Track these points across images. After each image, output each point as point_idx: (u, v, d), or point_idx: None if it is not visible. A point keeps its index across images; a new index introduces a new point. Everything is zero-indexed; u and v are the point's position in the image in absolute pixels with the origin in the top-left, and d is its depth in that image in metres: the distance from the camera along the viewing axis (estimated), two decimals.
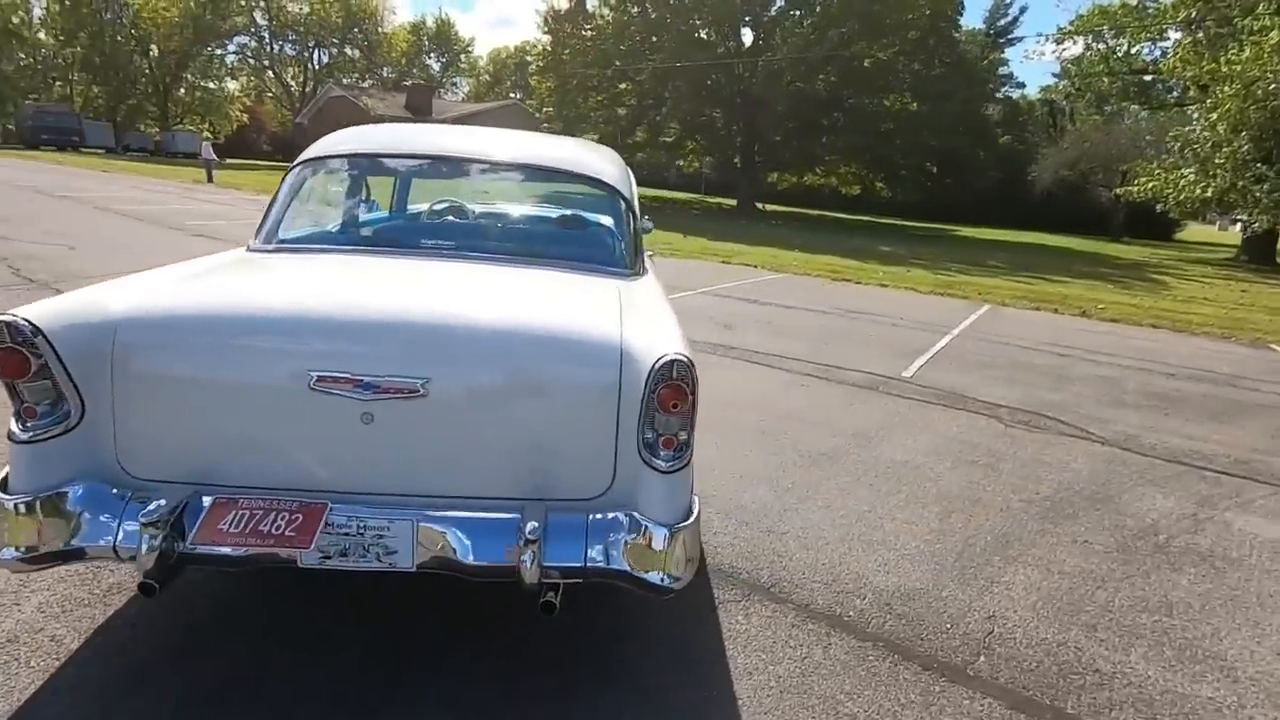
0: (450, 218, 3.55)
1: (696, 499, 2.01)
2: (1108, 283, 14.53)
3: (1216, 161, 17.74)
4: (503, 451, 1.93)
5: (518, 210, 3.75)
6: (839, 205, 38.60)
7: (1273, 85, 15.43)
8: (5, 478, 1.79)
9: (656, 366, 1.83)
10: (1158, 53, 25.72)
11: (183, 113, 51.14)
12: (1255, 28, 16.35)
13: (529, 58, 43.89)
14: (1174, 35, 22.97)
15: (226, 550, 1.75)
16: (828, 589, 2.59)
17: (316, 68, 54.94)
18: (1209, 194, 18.35)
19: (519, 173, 3.16)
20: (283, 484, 1.87)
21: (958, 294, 10.79)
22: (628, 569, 1.86)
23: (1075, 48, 28.86)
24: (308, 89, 52.80)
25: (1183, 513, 3.51)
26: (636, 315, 2.13)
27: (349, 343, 1.84)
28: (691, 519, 1.93)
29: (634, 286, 2.56)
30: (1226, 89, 16.66)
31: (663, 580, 1.88)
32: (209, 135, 41.46)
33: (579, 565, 1.85)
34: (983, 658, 2.28)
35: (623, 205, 3.00)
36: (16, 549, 1.74)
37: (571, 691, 1.99)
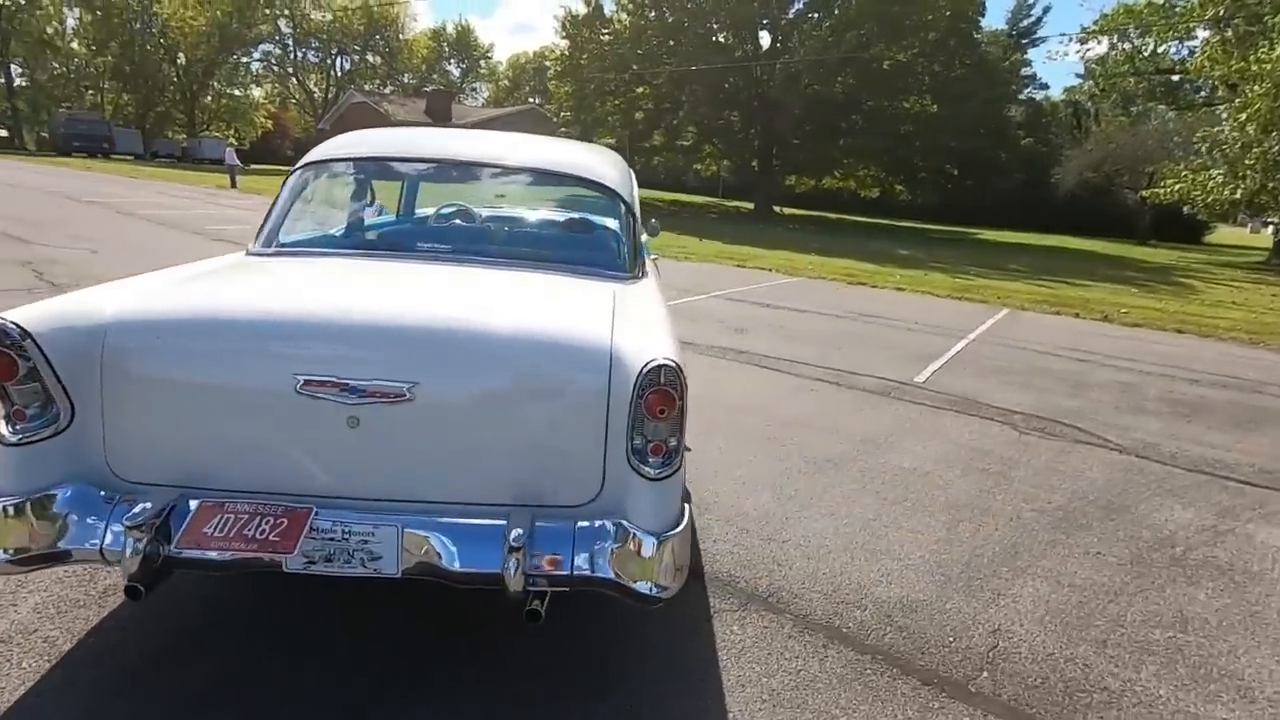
0: (454, 221, 3.55)
1: (688, 507, 1.97)
2: (1132, 286, 14.23)
3: (1246, 162, 17.33)
4: (491, 457, 1.90)
5: (518, 214, 3.74)
6: (858, 208, 38.28)
7: None
8: None
9: (644, 371, 1.80)
10: (1185, 52, 25.23)
11: (209, 120, 52.09)
12: None
13: (547, 63, 44.07)
14: (1202, 34, 22.50)
15: (211, 554, 1.74)
16: (827, 599, 2.53)
17: (339, 74, 55.74)
18: (1238, 195, 17.93)
19: (519, 176, 3.14)
20: (271, 488, 1.86)
21: (976, 298, 10.62)
22: (614, 577, 1.82)
23: (1100, 47, 28.41)
24: (330, 95, 53.56)
25: (1202, 524, 3.40)
26: (629, 319, 2.10)
27: (336, 346, 1.83)
28: (680, 527, 1.89)
29: (631, 290, 2.53)
30: (1256, 88, 16.27)
31: (651, 590, 1.85)
32: (233, 142, 42.20)
33: (565, 573, 1.82)
34: (985, 673, 2.21)
35: (623, 208, 2.97)
36: (5, 550, 1.75)
37: (558, 700, 1.96)
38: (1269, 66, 15.67)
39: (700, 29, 28.79)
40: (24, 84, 50.15)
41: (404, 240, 3.19)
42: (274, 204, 2.82)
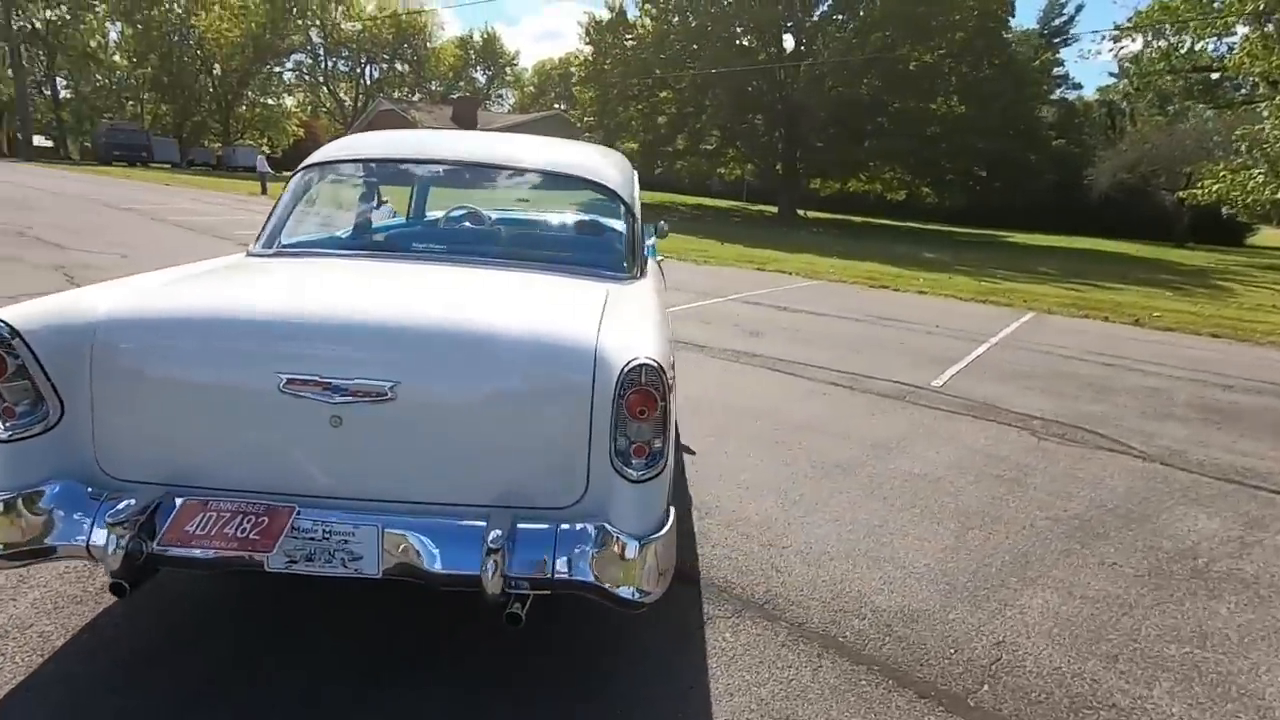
0: (462, 224, 3.57)
1: (672, 510, 1.93)
2: (1166, 289, 13.81)
3: None
4: (474, 457, 1.89)
5: (523, 215, 3.74)
6: (885, 211, 37.82)
7: None
8: None
9: (625, 371, 1.77)
10: (1224, 48, 24.46)
11: (243, 128, 53.42)
12: None
13: (572, 69, 44.36)
14: (1241, 29, 21.80)
15: (193, 552, 1.75)
16: (825, 607, 2.47)
17: (368, 82, 56.82)
18: None
19: (520, 177, 3.13)
20: (255, 487, 1.87)
21: (1001, 301, 10.39)
22: (594, 581, 1.79)
23: (1134, 45, 27.68)
24: (360, 103, 54.58)
25: (1228, 535, 3.25)
26: (619, 319, 2.07)
27: (318, 345, 1.83)
28: (664, 531, 1.85)
29: (627, 290, 2.50)
30: None
31: (633, 594, 1.81)
32: (265, 150, 43.17)
33: (545, 576, 1.80)
34: (986, 686, 2.13)
35: (622, 208, 2.94)
36: None
37: (544, 702, 1.93)
38: None
39: (724, 33, 28.71)
40: (68, 96, 51.96)
41: (404, 241, 3.20)
42: (275, 205, 2.85)
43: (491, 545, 1.72)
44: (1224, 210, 20.82)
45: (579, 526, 1.84)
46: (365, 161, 3.09)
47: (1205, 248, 30.91)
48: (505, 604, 1.79)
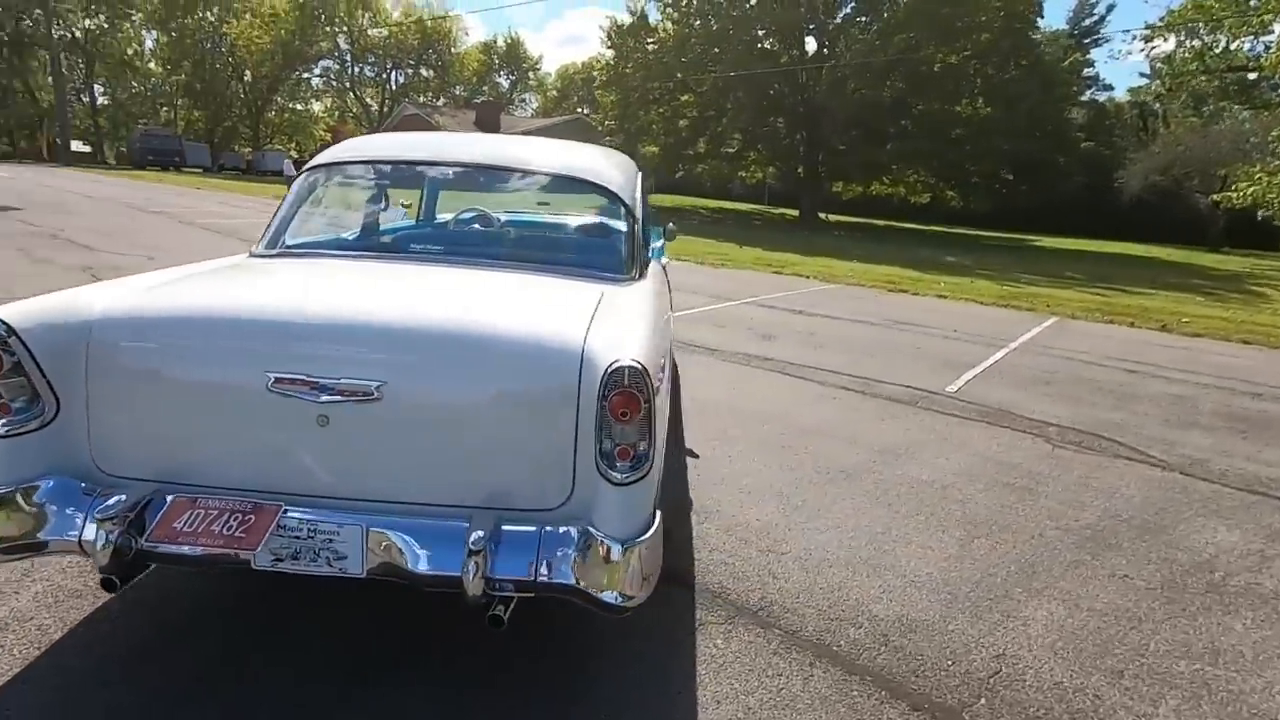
0: (465, 225, 3.59)
1: (659, 514, 1.91)
2: (1197, 295, 13.45)
3: None
4: (460, 458, 1.89)
5: (526, 216, 3.75)
6: (908, 215, 37.36)
7: None
8: None
9: (608, 372, 1.75)
10: (1260, 47, 23.77)
11: (272, 133, 54.59)
12: None
13: (594, 73, 44.57)
14: (1279, 28, 21.20)
15: (181, 549, 1.77)
16: (821, 615, 2.43)
17: (393, 88, 57.60)
18: None
19: (522, 179, 3.14)
20: (246, 485, 1.88)
21: (1023, 306, 10.20)
22: (575, 584, 1.78)
23: (1166, 45, 27.00)
24: (385, 108, 55.38)
25: (1248, 548, 3.14)
26: (610, 320, 2.06)
27: (307, 345, 1.84)
28: (649, 534, 1.83)
29: (623, 291, 2.49)
30: None
31: (616, 599, 1.80)
32: (292, 154, 43.98)
33: (528, 579, 1.79)
34: (983, 700, 2.07)
35: (623, 210, 2.93)
36: None
37: (529, 705, 1.92)
38: None
39: (745, 36, 28.61)
40: (105, 102, 53.49)
41: (407, 242, 3.22)
42: (280, 206, 2.88)
43: (473, 547, 1.72)
44: (1260, 213, 20.19)
45: (562, 529, 1.83)
46: (366, 163, 3.12)
47: (1240, 252, 30.07)
48: (488, 606, 1.78)
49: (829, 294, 10.34)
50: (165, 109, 55.75)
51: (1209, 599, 2.70)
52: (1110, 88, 47.09)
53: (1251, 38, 22.89)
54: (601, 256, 2.91)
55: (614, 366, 1.75)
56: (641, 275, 2.82)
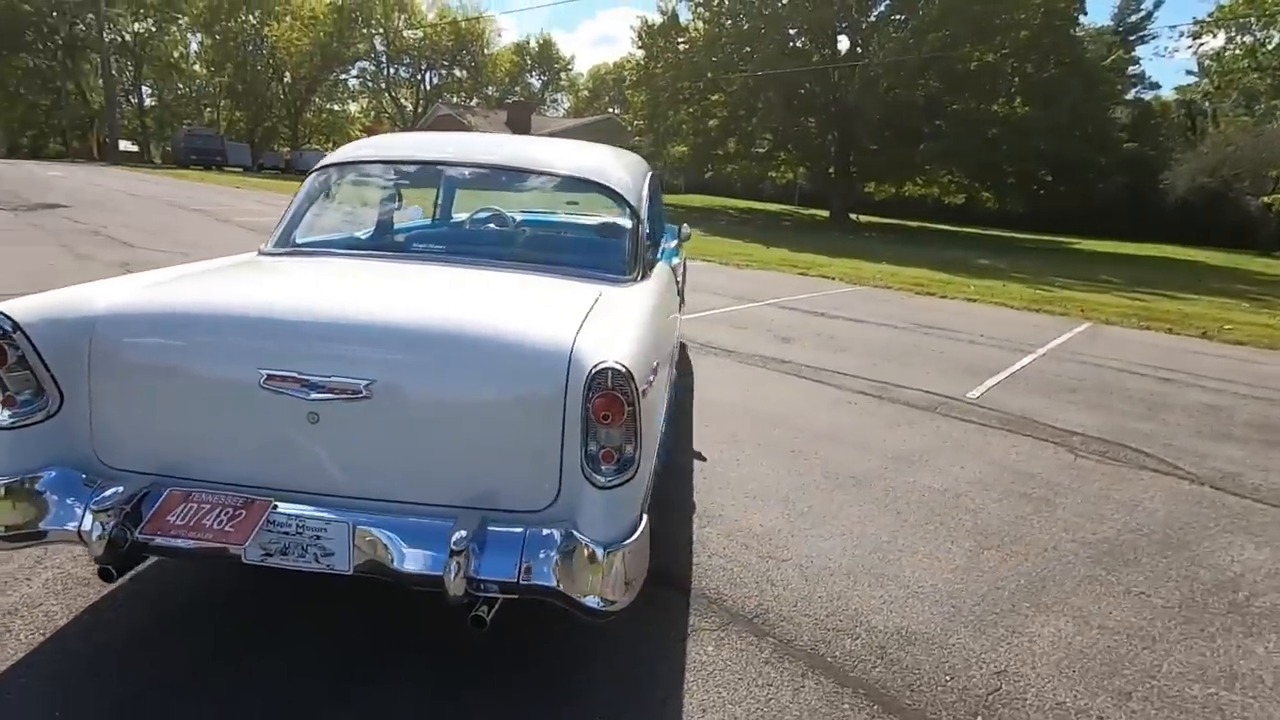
0: (476, 225, 3.61)
1: (646, 518, 1.89)
2: (1243, 300, 12.94)
3: None
4: (449, 458, 1.89)
5: (539, 216, 3.77)
6: (943, 216, 36.62)
7: None
8: None
9: (591, 373, 1.74)
10: None
11: (310, 133, 55.82)
12: None
13: (625, 73, 44.64)
14: None
15: (174, 541, 1.80)
16: (818, 625, 2.38)
17: (427, 88, 58.43)
18: None
19: (527, 179, 3.15)
20: (240, 480, 1.92)
21: (1055, 310, 9.92)
22: (556, 587, 1.77)
23: (1215, 41, 26.07)
24: (420, 109, 56.21)
25: (1276, 567, 3.00)
26: (604, 322, 2.05)
27: (298, 343, 1.87)
28: (633, 539, 1.82)
29: (622, 292, 2.48)
30: None
31: (598, 603, 1.78)
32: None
33: (511, 580, 1.78)
34: (979, 718, 2.01)
35: (627, 210, 2.92)
36: None
37: (513, 706, 1.92)
38: None
39: (776, 35, 28.34)
40: (152, 103, 55.28)
41: (413, 242, 3.26)
42: (290, 205, 2.93)
43: (455, 547, 1.72)
44: None
45: (545, 531, 1.82)
46: (373, 163, 3.16)
47: None
48: (471, 606, 1.79)
49: (854, 296, 10.19)
50: (209, 109, 57.41)
51: (1230, 620, 2.59)
52: (1156, 86, 45.53)
53: None
54: (603, 256, 2.90)
55: (597, 368, 1.73)
56: (644, 276, 2.80)
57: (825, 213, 32.37)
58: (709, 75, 29.17)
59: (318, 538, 1.82)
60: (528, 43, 66.23)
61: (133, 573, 2.21)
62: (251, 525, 1.79)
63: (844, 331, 7.50)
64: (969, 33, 24.74)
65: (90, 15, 45.80)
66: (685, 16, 31.02)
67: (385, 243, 3.21)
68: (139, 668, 1.99)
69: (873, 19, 28.42)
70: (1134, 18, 42.17)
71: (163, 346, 1.94)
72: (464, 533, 1.74)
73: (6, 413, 1.87)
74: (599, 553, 1.77)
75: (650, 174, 3.55)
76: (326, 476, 1.90)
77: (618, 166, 3.16)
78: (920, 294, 10.88)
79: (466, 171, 3.15)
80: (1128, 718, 2.05)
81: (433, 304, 2.11)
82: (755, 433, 4.18)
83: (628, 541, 1.80)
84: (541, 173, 3.05)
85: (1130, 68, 38.79)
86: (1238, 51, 24.77)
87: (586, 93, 69.02)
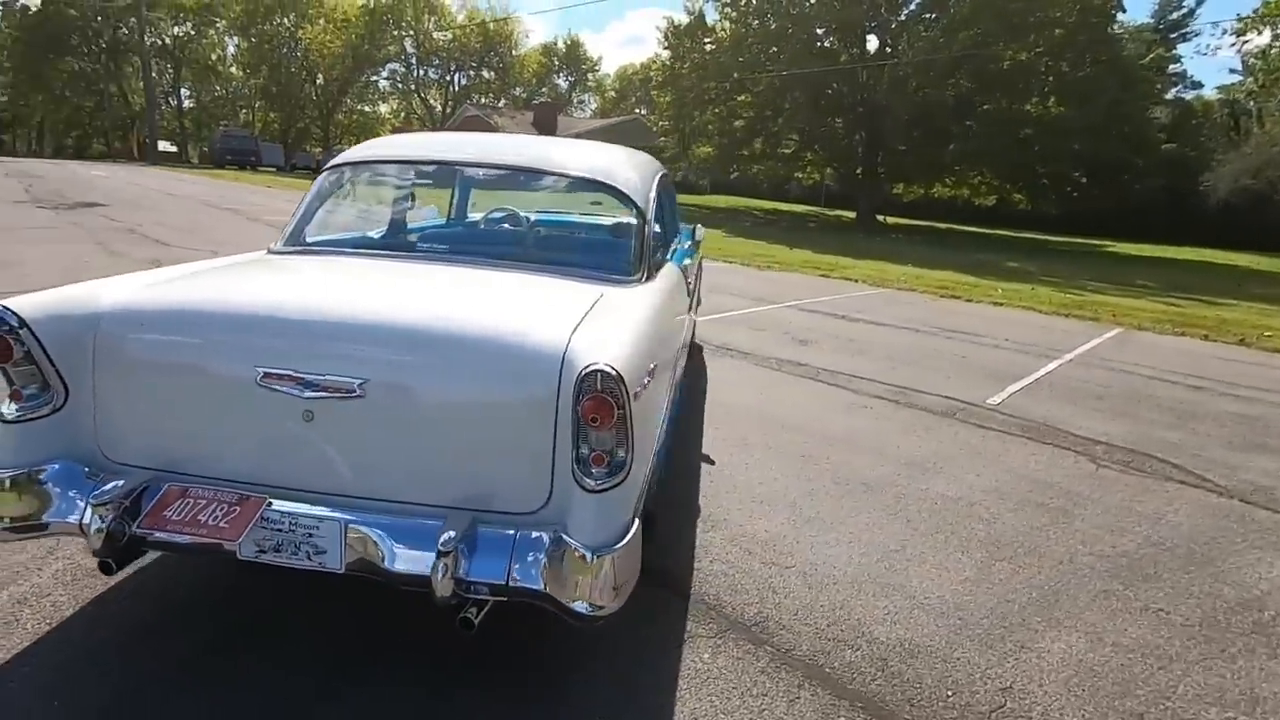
0: (488, 225, 3.62)
1: (637, 523, 1.87)
2: None
3: None
4: (440, 458, 1.89)
5: (550, 215, 3.77)
6: (974, 218, 35.94)
7: None
8: None
9: (581, 376, 1.72)
10: None
11: (341, 134, 56.76)
12: None
13: (651, 73, 44.65)
14: None
15: (170, 536, 1.83)
16: (818, 635, 2.33)
17: (456, 89, 59.07)
18: None
19: (535, 179, 3.15)
20: (237, 476, 1.94)
21: (1085, 315, 9.67)
22: (545, 591, 1.75)
23: (1260, 39, 25.21)
24: (448, 109, 56.84)
25: None
26: (601, 323, 2.03)
27: (294, 341, 1.88)
28: (623, 543, 1.79)
29: (623, 293, 2.46)
30: None
31: (586, 608, 1.76)
32: None
33: (500, 583, 1.77)
34: None
35: (634, 210, 2.90)
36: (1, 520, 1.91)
37: (502, 707, 1.91)
38: None
39: (804, 34, 28.11)
40: (190, 105, 56.72)
41: (422, 242, 3.27)
42: (300, 204, 2.97)
43: (443, 547, 1.72)
44: None
45: (534, 534, 1.81)
46: (384, 162, 3.18)
47: None
48: (459, 607, 1.78)
49: (875, 298, 10.05)
50: (244, 111, 58.76)
51: (1253, 640, 2.48)
52: (1198, 85, 44.09)
53: None
54: (607, 257, 2.89)
55: (587, 370, 1.72)
56: (650, 277, 2.78)
57: (852, 214, 32.02)
58: (735, 75, 29.00)
59: (310, 536, 1.83)
60: (555, 43, 66.65)
61: (134, 566, 2.25)
62: (246, 522, 1.81)
63: (864, 334, 7.39)
64: (1001, 30, 24.26)
65: (132, 19, 47.17)
66: (712, 17, 30.95)
67: (395, 242, 3.23)
68: (139, 660, 2.02)
69: (902, 17, 28.03)
70: (1175, 15, 41.01)
71: (164, 343, 1.97)
72: (452, 533, 1.74)
73: (13, 406, 1.91)
74: (588, 556, 1.75)
75: (661, 174, 3.53)
76: (321, 475, 1.91)
77: (626, 167, 3.14)
78: (945, 297, 10.69)
79: (480, 172, 3.16)
80: None
81: (430, 304, 2.11)
82: (766, 436, 4.13)
83: (618, 545, 1.78)
84: (550, 173, 3.05)
85: (1170, 66, 37.79)
86: None
87: (613, 94, 69.16)
